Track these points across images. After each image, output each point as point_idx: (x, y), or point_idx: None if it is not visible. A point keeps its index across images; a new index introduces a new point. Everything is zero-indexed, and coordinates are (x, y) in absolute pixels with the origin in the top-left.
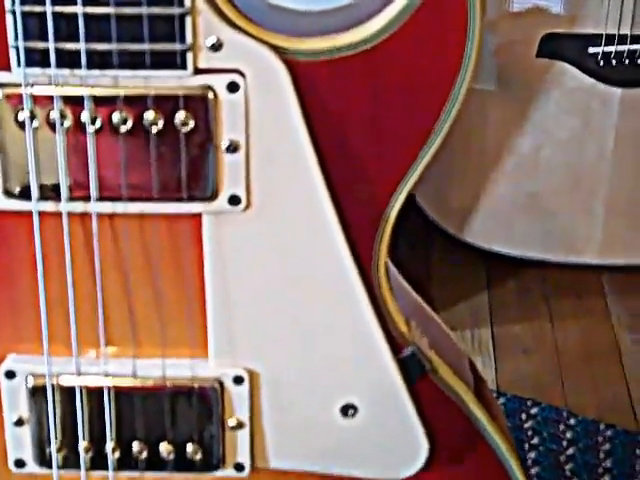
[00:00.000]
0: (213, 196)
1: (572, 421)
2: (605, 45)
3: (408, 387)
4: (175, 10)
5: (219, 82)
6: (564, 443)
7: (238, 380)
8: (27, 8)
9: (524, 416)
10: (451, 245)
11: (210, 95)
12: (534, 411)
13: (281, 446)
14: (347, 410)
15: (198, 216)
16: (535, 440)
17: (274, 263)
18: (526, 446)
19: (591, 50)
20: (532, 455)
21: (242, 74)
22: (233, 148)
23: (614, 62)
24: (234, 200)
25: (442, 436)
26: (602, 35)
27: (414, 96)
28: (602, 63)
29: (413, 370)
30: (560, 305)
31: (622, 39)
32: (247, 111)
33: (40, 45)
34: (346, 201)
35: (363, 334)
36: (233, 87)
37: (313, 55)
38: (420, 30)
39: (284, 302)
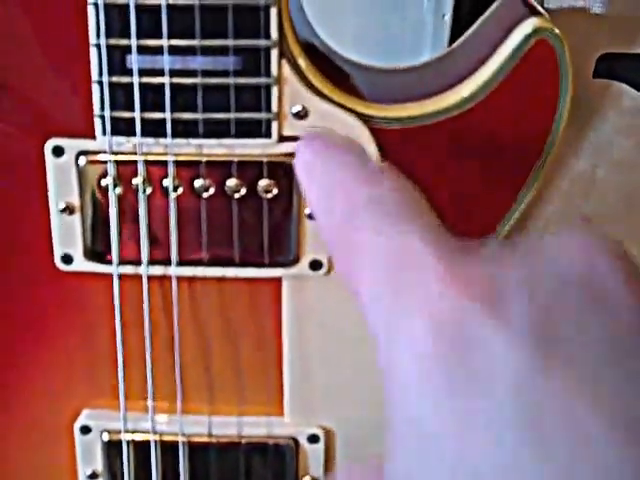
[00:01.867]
0: (294, 261)
1: None
2: None
3: None
4: (262, 80)
5: None
6: None
7: (313, 439)
8: (114, 79)
9: None
10: None
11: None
12: None
13: None
14: None
15: (278, 280)
16: None
17: (353, 326)
18: None
19: None
20: None
21: None
22: None
23: None
24: (315, 265)
25: None
26: None
27: (503, 161)
28: None
29: None
30: None
31: None
32: None
33: (125, 114)
34: None
35: None
36: None
37: (400, 122)
38: (511, 94)
39: (360, 363)
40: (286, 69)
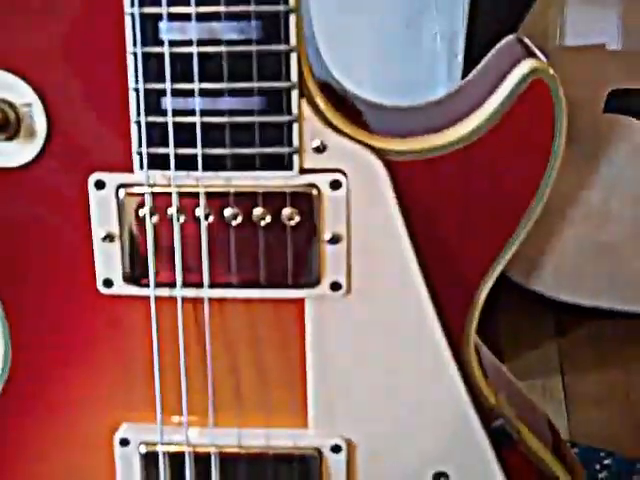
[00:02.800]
0: (316, 283)
1: None
2: None
3: (497, 457)
4: (284, 118)
5: (323, 181)
6: None
7: (336, 449)
8: (150, 119)
9: (598, 467)
10: (519, 295)
11: (314, 192)
12: (607, 462)
13: None
14: (439, 479)
15: (301, 300)
16: None
17: (371, 342)
18: None
19: None
20: None
21: (344, 173)
22: (335, 239)
23: None
24: (335, 286)
25: None
26: None
27: (504, 192)
28: None
29: (502, 441)
30: (631, 354)
31: None
32: (348, 206)
33: (160, 150)
34: (440, 286)
35: (455, 407)
36: (336, 185)
37: (410, 155)
38: (512, 129)
39: (380, 377)
40: (305, 108)
